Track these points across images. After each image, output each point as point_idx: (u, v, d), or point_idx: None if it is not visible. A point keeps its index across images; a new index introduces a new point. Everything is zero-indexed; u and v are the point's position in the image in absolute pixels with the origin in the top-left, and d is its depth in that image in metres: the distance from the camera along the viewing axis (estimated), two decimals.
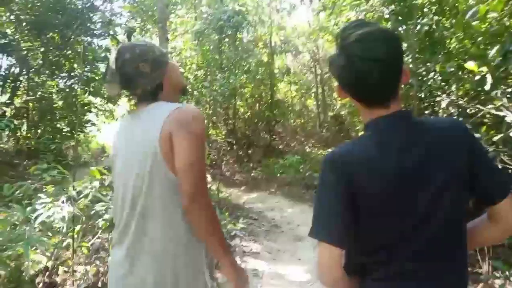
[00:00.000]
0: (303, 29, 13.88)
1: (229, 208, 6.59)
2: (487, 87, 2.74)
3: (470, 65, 2.71)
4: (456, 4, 3.78)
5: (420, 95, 3.99)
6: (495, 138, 2.68)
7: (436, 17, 3.99)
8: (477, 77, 2.80)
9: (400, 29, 3.98)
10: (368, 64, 1.05)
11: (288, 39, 13.51)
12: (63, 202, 2.90)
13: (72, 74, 10.86)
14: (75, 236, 3.03)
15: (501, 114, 2.63)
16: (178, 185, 1.35)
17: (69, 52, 10.33)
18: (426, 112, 4.25)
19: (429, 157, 1.07)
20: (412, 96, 3.95)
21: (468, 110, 3.21)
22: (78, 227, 3.02)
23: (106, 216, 3.21)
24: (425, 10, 3.98)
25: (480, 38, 3.32)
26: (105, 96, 11.78)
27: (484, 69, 2.72)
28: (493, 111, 2.79)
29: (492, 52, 2.70)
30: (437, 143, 1.09)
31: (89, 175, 3.03)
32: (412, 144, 1.08)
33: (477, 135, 2.77)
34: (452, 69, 3.17)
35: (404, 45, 3.85)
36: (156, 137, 1.36)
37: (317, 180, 1.14)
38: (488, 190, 1.12)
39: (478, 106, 2.93)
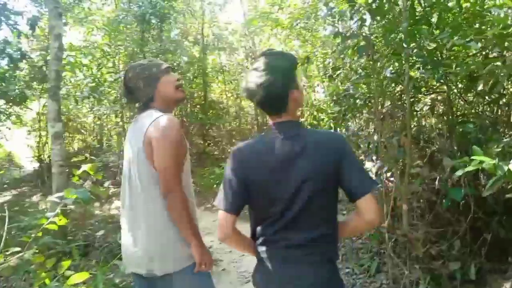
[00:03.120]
0: (237, 25, 12.71)
1: None
2: None
3: None
4: None
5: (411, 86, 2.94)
6: None
7: None
8: None
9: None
10: (254, 87, 1.53)
11: (221, 34, 12.27)
12: None
13: None
14: None
15: None
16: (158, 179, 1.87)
17: None
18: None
19: (301, 156, 1.47)
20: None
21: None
22: None
23: None
24: None
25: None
26: (11, 98, 9.87)
27: None
28: None
29: None
30: (312, 146, 1.48)
31: None
32: (291, 145, 1.49)
33: None
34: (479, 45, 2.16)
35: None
36: (141, 140, 1.88)
37: None
38: (352, 189, 1.49)
39: None
